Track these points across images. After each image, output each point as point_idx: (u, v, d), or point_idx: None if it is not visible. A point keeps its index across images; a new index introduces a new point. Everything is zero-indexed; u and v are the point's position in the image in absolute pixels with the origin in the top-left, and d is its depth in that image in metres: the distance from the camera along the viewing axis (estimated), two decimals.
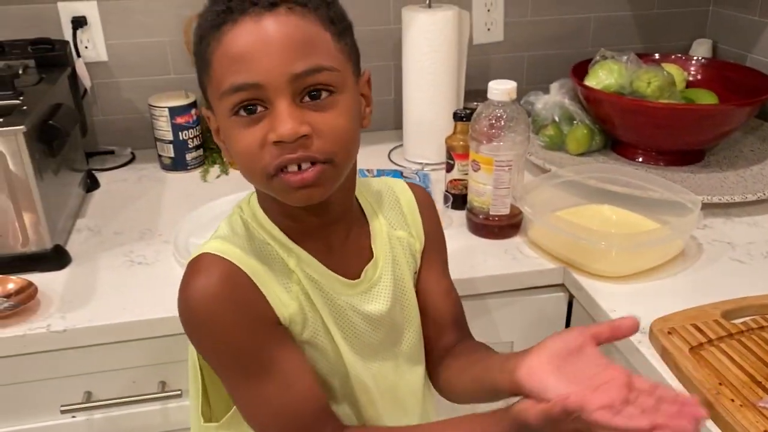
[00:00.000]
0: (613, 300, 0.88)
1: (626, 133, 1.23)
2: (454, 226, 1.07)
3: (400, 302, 0.73)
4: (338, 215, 0.68)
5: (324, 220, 0.67)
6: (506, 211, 1.02)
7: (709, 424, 0.67)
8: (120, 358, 0.90)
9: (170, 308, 0.86)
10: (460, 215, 1.08)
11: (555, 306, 1.00)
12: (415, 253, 0.76)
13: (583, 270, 0.95)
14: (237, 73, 0.57)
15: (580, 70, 1.27)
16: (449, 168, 1.10)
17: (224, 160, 1.31)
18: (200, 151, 1.30)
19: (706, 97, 1.23)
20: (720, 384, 0.70)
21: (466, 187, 1.08)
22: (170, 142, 1.27)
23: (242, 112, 0.58)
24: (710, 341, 0.76)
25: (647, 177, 1.06)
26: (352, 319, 0.69)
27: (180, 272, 0.93)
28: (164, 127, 1.26)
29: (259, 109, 0.58)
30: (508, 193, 1.00)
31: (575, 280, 0.93)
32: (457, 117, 1.08)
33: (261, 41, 0.56)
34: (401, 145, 1.36)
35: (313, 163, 0.59)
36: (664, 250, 0.94)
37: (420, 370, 0.77)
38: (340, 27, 0.61)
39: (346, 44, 0.62)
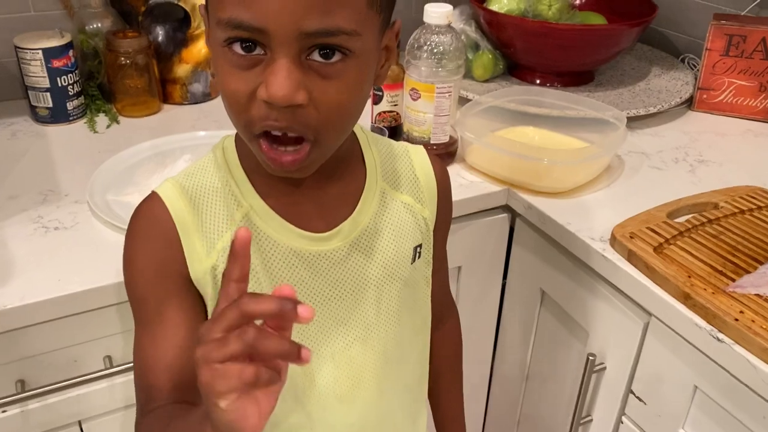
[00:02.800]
0: (564, 214, 0.92)
1: (528, 56, 1.27)
2: None
3: (389, 274, 0.66)
4: (324, 172, 0.61)
5: (305, 176, 0.60)
6: (446, 138, 1.01)
7: (691, 314, 0.74)
8: (57, 337, 0.78)
9: (110, 274, 0.77)
10: None
11: (499, 227, 1.03)
12: (422, 226, 0.69)
13: (526, 188, 0.98)
14: (240, 6, 0.48)
15: None
16: (377, 100, 1.07)
17: (111, 106, 1.16)
18: (81, 99, 1.14)
19: (596, 19, 1.29)
20: (690, 277, 0.76)
21: (395, 119, 1.06)
22: (47, 89, 1.09)
23: (237, 48, 0.50)
24: (667, 240, 0.83)
25: (569, 97, 1.11)
26: (307, 281, 0.62)
27: (107, 233, 0.85)
28: (38, 73, 1.08)
29: (257, 50, 0.50)
30: (447, 120, 0.99)
31: (522, 199, 0.96)
32: None
33: None
34: None
35: (297, 140, 0.53)
36: (599, 163, 0.99)
37: (411, 369, 0.72)
38: None
39: None
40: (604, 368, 0.89)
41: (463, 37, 1.26)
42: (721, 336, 0.71)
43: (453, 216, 0.96)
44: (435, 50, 0.95)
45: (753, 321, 0.70)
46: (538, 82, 1.28)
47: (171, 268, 0.60)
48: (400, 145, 0.71)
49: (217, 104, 1.23)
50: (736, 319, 0.70)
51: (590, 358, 0.87)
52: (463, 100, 1.13)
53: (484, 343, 1.14)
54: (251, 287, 0.55)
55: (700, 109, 1.24)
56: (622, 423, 0.89)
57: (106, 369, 0.80)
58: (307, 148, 0.53)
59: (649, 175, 1.02)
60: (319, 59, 0.50)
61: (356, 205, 0.64)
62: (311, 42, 0.49)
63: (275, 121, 0.51)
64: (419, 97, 0.97)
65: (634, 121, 1.19)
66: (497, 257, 1.06)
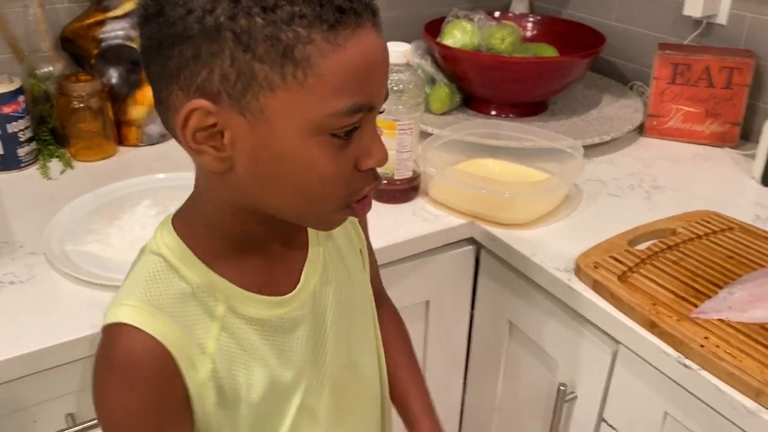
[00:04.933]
0: (528, 245, 0.93)
1: (483, 89, 1.29)
2: None
3: (352, 290, 0.67)
4: (284, 227, 0.59)
5: (269, 235, 0.59)
6: (409, 174, 1.02)
7: (658, 342, 0.75)
8: (16, 398, 0.75)
9: (71, 329, 0.74)
10: None
11: (464, 260, 1.03)
12: (357, 227, 0.71)
13: (490, 220, 0.99)
14: (359, 92, 0.49)
15: (433, 30, 1.30)
16: None
17: (65, 150, 1.13)
18: (33, 144, 1.11)
19: (548, 51, 1.33)
20: (654, 305, 0.78)
21: None
22: None
23: (341, 133, 0.50)
24: (630, 269, 0.85)
25: (527, 129, 1.13)
26: (298, 341, 0.61)
27: (67, 285, 0.82)
28: None
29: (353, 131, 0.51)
30: (410, 156, 1.00)
31: (487, 232, 0.97)
32: None
33: (381, 57, 0.50)
34: None
35: None
36: (560, 193, 1.01)
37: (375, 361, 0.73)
38: None
39: None
40: (576, 397, 0.90)
41: (419, 71, 1.28)
42: (687, 362, 0.72)
43: (419, 251, 0.98)
44: (395, 88, 0.95)
45: (717, 346, 0.72)
46: (493, 113, 1.30)
47: (169, 401, 0.55)
48: None
49: (174, 145, 1.21)
50: (702, 345, 0.72)
51: (561, 388, 0.88)
52: (423, 135, 1.14)
53: (454, 375, 1.13)
54: (253, 370, 0.58)
55: (651, 135, 1.28)
56: None
57: (69, 428, 0.77)
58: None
59: (607, 202, 1.05)
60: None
61: (309, 249, 0.63)
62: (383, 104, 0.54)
63: (376, 180, 0.54)
64: (381, 135, 0.98)
65: (588, 149, 1.21)
66: (464, 289, 1.06)
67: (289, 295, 0.60)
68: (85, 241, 0.89)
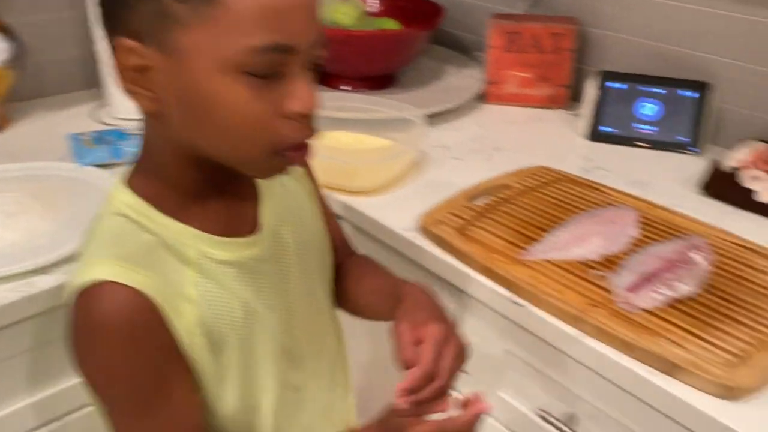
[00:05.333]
0: (378, 210, 0.97)
1: (331, 64, 1.30)
2: None
3: (310, 231, 0.72)
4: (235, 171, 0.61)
5: (224, 179, 0.60)
6: None
7: (493, 285, 0.81)
8: None
9: None
10: None
11: None
12: (307, 183, 0.75)
13: (343, 190, 1.02)
14: (271, 28, 0.49)
15: None
16: None
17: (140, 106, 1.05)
18: None
19: (392, 24, 1.38)
20: (489, 252, 0.85)
21: None
22: None
23: (258, 73, 0.50)
24: (468, 222, 0.91)
25: (368, 99, 1.17)
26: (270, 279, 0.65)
27: None
28: None
29: (276, 71, 0.51)
30: None
31: (341, 201, 1.00)
32: None
33: None
34: (104, 106, 1.24)
35: None
36: (405, 160, 1.06)
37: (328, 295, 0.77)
38: None
39: None
40: None
41: None
42: (519, 300, 0.79)
43: None
44: None
45: (543, 283, 0.79)
46: (344, 88, 1.33)
47: (165, 351, 0.56)
48: None
49: (7, 136, 1.15)
50: (529, 284, 0.79)
51: None
52: None
53: None
54: (234, 309, 0.60)
55: (491, 101, 1.36)
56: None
57: None
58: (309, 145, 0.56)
59: (452, 166, 1.11)
60: (312, 70, 0.54)
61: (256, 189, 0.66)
62: (313, 54, 0.53)
63: (308, 131, 0.54)
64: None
65: (435, 118, 1.27)
66: None
67: (256, 235, 0.63)
68: None
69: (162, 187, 0.58)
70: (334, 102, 1.16)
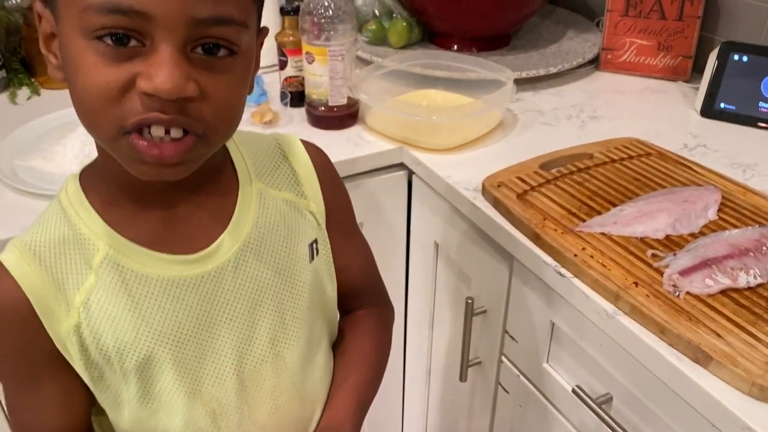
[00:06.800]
0: (448, 168, 0.97)
1: (442, 22, 1.31)
2: (294, 122, 1.09)
3: (287, 278, 0.62)
4: (193, 182, 0.55)
5: (170, 188, 0.54)
6: (344, 101, 1.06)
7: (540, 253, 0.79)
8: None
9: (6, 231, 0.82)
10: (300, 111, 1.10)
11: (397, 184, 1.08)
12: (312, 221, 0.65)
13: (419, 146, 1.02)
14: None
15: None
16: (282, 65, 1.11)
17: (34, 80, 1.21)
18: (3, 72, 1.19)
19: None
20: (544, 219, 0.82)
21: (301, 84, 1.10)
22: None
23: (108, 39, 0.45)
24: (533, 188, 0.88)
25: (465, 59, 1.15)
26: (186, 305, 0.57)
27: (9, 195, 0.89)
28: None
29: (133, 42, 0.45)
30: (343, 83, 1.04)
31: (413, 157, 1.01)
32: (284, 12, 1.09)
33: None
34: None
35: (184, 133, 0.47)
36: (486, 120, 1.04)
37: (320, 359, 0.68)
38: None
39: None
40: (485, 311, 0.95)
41: (378, 4, 1.30)
42: (563, 271, 0.76)
43: (354, 173, 1.03)
44: (325, 14, 0.99)
45: (591, 256, 0.75)
46: (455, 47, 1.32)
47: (35, 348, 0.55)
48: (270, 138, 0.66)
49: None
50: (576, 255, 0.75)
51: (468, 301, 0.92)
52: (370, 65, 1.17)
53: (395, 300, 1.19)
54: (125, 331, 0.55)
55: (606, 69, 1.29)
56: (502, 362, 0.95)
57: None
58: (191, 140, 0.48)
59: (540, 130, 1.07)
60: (203, 54, 0.47)
61: (233, 215, 0.59)
62: (200, 33, 0.46)
63: (159, 113, 0.45)
64: (314, 61, 1.02)
65: (538, 82, 1.23)
66: (400, 213, 1.11)
67: (195, 255, 0.56)
68: (31, 157, 0.96)
69: (100, 180, 0.55)
70: (428, 59, 1.16)
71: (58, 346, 0.55)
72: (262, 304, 0.61)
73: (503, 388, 0.96)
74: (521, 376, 0.91)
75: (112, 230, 0.55)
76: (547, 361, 0.86)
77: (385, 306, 0.79)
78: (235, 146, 0.63)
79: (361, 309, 0.74)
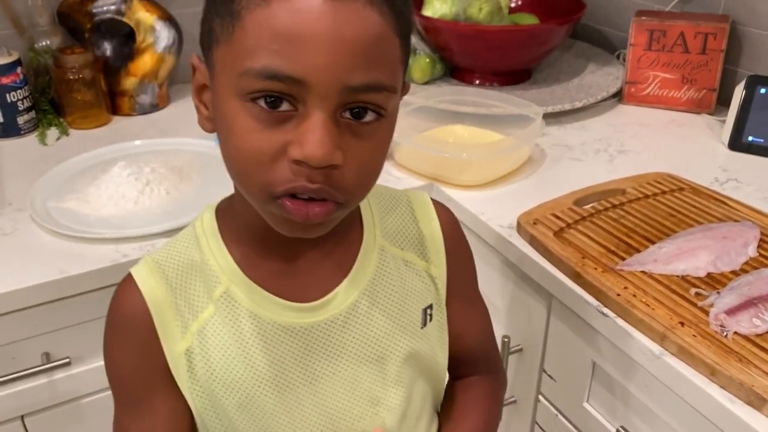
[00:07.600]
0: (480, 204, 0.97)
1: (464, 58, 1.32)
2: None
3: (395, 339, 0.60)
4: (321, 236, 0.54)
5: (299, 238, 0.53)
6: None
7: (581, 292, 0.78)
8: None
9: (43, 274, 0.82)
10: None
11: None
12: (430, 285, 0.63)
13: (449, 183, 1.03)
14: (278, 54, 0.44)
15: (416, 1, 1.34)
16: None
17: (62, 120, 1.22)
18: (32, 113, 1.20)
19: (529, 19, 1.35)
20: (583, 258, 0.81)
21: None
22: None
23: (262, 102, 0.45)
24: (569, 225, 0.88)
25: (490, 94, 1.16)
26: (295, 355, 0.57)
27: (45, 238, 0.90)
28: None
29: (285, 105, 0.45)
30: None
31: (443, 193, 1.01)
32: None
33: (325, 26, 0.43)
34: None
35: (324, 198, 0.48)
36: (516, 156, 1.05)
37: (422, 426, 0.65)
38: (408, 28, 0.49)
39: (406, 52, 0.50)
40: (521, 349, 0.94)
41: None
42: (605, 311, 0.75)
43: None
44: None
45: (634, 296, 0.75)
46: (477, 82, 1.33)
47: (152, 360, 0.57)
48: (402, 194, 0.65)
49: (165, 114, 1.29)
50: (618, 294, 0.75)
51: (505, 339, 0.92)
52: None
53: None
54: (236, 367, 0.56)
55: (629, 102, 1.29)
56: (539, 401, 0.93)
57: (43, 365, 0.86)
58: (332, 206, 0.49)
59: (569, 165, 1.07)
60: (351, 118, 0.47)
61: (351, 269, 0.58)
62: (353, 98, 0.45)
63: (308, 182, 0.46)
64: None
65: (563, 116, 1.24)
66: None
67: (306, 304, 0.57)
68: (65, 199, 0.97)
69: (231, 214, 0.58)
70: (454, 96, 1.17)
71: (170, 364, 0.57)
72: (366, 362, 0.59)
73: (540, 427, 0.95)
74: (559, 416, 0.90)
75: (237, 267, 0.56)
76: (587, 401, 0.85)
77: (499, 372, 0.74)
78: (366, 200, 0.62)
79: (474, 375, 0.71)
